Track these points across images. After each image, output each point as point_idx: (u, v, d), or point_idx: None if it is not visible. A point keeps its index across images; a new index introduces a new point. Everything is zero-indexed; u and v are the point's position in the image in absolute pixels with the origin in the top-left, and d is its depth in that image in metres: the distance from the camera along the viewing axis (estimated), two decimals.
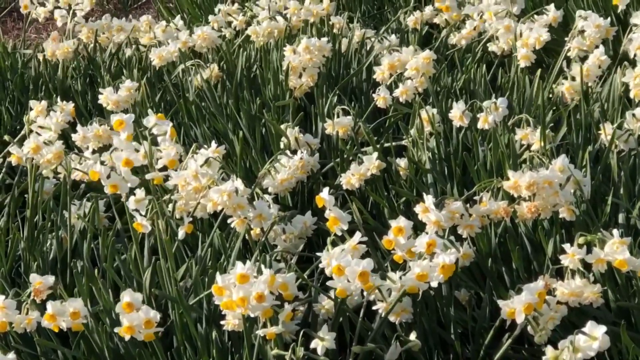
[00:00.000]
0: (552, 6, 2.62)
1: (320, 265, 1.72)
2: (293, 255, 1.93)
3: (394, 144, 2.29)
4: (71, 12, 3.14)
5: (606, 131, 2.12)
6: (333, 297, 1.76)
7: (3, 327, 1.71)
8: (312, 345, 1.65)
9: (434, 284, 1.67)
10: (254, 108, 2.51)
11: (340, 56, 2.76)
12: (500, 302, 1.63)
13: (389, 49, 2.65)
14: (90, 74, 3.00)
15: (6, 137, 2.28)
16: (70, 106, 2.27)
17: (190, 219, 1.90)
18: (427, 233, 1.74)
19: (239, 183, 1.88)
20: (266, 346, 1.69)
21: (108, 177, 1.86)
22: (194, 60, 2.74)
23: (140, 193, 1.89)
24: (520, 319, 1.61)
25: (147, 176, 1.88)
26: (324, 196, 1.81)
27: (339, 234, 1.79)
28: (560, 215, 1.87)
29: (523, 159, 2.03)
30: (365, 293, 1.73)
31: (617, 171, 2.03)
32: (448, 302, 1.88)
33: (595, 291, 1.69)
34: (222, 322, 1.73)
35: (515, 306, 1.61)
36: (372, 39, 2.84)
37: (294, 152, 2.21)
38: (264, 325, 1.67)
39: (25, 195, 2.20)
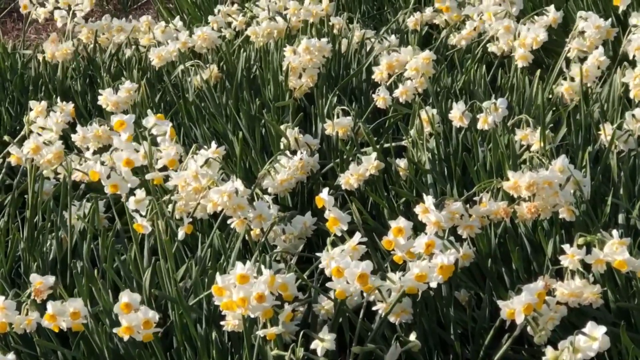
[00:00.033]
0: (552, 7, 2.62)
1: (320, 266, 1.72)
2: (293, 256, 1.93)
3: (393, 144, 2.29)
4: (71, 12, 3.14)
5: (606, 132, 2.12)
6: (333, 297, 1.76)
7: (3, 328, 1.71)
8: (312, 346, 1.65)
9: (433, 285, 1.67)
10: (254, 108, 2.51)
11: (340, 57, 2.76)
12: (500, 303, 1.63)
13: (388, 49, 2.65)
14: (90, 74, 3.00)
15: (6, 138, 2.28)
16: (70, 107, 2.28)
17: (190, 220, 1.90)
18: (426, 234, 1.74)
19: (238, 184, 1.88)
20: (266, 347, 1.69)
21: (108, 177, 1.86)
22: (193, 60, 2.74)
23: (140, 193, 1.89)
24: (519, 319, 1.61)
25: (147, 176, 1.88)
26: (324, 197, 1.81)
27: (339, 234, 1.79)
28: (560, 216, 1.87)
29: (523, 159, 2.03)
30: (365, 294, 1.73)
31: (617, 172, 2.04)
32: (448, 303, 1.88)
33: (595, 292, 1.69)
34: (222, 323, 1.73)
35: (514, 307, 1.61)
36: (372, 40, 2.84)
37: (294, 152, 2.21)
38: (264, 326, 1.67)
39: (25, 196, 2.20)
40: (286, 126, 2.34)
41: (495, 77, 2.70)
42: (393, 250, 1.74)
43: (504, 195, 1.87)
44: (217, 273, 1.66)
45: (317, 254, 1.75)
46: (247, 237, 1.93)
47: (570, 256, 1.70)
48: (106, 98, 2.46)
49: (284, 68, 2.59)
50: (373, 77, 2.54)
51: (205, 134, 2.56)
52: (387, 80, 2.53)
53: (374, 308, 1.75)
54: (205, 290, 1.81)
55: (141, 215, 1.86)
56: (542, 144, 2.08)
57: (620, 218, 1.93)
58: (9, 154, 2.17)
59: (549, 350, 1.55)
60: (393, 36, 2.84)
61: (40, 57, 3.01)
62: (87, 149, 2.14)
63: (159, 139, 1.95)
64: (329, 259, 1.69)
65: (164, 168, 1.94)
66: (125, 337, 1.67)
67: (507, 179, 1.84)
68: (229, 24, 3.07)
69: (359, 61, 2.77)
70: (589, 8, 2.85)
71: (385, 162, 2.18)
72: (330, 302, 1.80)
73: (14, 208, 2.23)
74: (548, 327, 1.67)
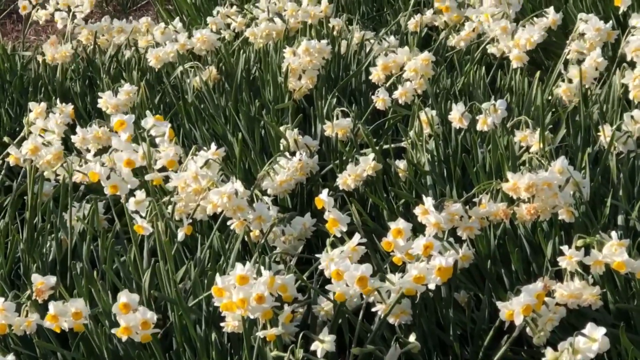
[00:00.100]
0: (551, 9, 2.62)
1: (320, 267, 1.72)
2: (292, 257, 1.93)
3: (393, 145, 2.29)
4: (71, 14, 3.14)
5: (605, 133, 2.12)
6: (332, 298, 1.76)
7: (2, 330, 1.71)
8: (312, 347, 1.65)
9: (432, 286, 1.67)
10: (253, 110, 2.51)
11: (339, 58, 2.76)
12: (499, 304, 1.63)
13: (387, 50, 2.65)
14: (89, 75, 3.00)
15: (5, 139, 2.28)
16: (69, 108, 2.28)
17: (190, 221, 1.90)
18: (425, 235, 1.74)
19: (238, 185, 1.88)
20: (266, 348, 1.69)
21: (108, 178, 1.86)
22: (192, 62, 2.74)
23: (140, 194, 1.89)
24: (518, 320, 1.61)
25: (147, 177, 1.88)
26: (323, 198, 1.81)
27: (338, 235, 1.79)
28: (560, 217, 1.87)
29: (522, 160, 2.03)
30: (364, 295, 1.73)
31: (616, 173, 2.04)
32: (447, 304, 1.88)
33: (594, 293, 1.69)
34: (221, 324, 1.73)
35: (513, 308, 1.61)
36: (372, 41, 2.84)
37: (293, 153, 2.21)
38: (264, 327, 1.67)
39: (25, 197, 2.20)
40: (285, 127, 2.34)
41: (494, 79, 2.71)
42: (392, 251, 1.74)
43: (503, 197, 1.87)
44: (217, 274, 1.66)
45: (317, 255, 1.75)
46: (246, 239, 1.93)
47: (568, 258, 1.70)
48: (106, 101, 2.46)
49: (284, 69, 2.59)
50: (370, 77, 2.54)
51: (204, 136, 2.56)
52: (384, 82, 2.53)
53: (373, 309, 1.75)
54: (204, 292, 1.81)
55: (141, 217, 1.86)
56: (541, 145, 2.08)
57: (620, 219, 1.93)
58: (8, 155, 2.17)
59: (549, 352, 1.55)
60: (392, 37, 2.84)
61: (39, 58, 3.01)
62: (87, 150, 2.14)
63: (157, 140, 1.95)
64: (329, 260, 1.69)
65: (163, 169, 1.94)
66: (124, 338, 1.67)
67: (507, 180, 1.84)
68: (228, 26, 3.07)
69: (359, 62, 2.77)
70: (588, 9, 2.85)
71: (385, 163, 2.18)
72: (330, 303, 1.80)
73: (14, 209, 2.23)
74: (547, 328, 1.67)
